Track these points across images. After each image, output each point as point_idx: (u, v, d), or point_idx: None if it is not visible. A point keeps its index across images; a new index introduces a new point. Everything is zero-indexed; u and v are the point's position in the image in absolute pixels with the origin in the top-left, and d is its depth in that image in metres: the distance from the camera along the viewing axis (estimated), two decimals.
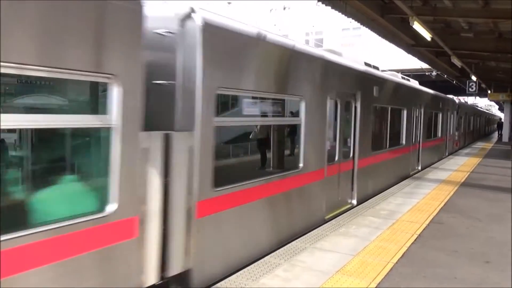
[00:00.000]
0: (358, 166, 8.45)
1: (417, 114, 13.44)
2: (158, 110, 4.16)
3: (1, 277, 2.71)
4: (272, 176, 5.76)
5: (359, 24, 13.66)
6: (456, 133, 21.90)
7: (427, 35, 12.41)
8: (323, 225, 6.65)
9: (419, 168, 14.12)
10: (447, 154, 19.40)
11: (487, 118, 52.02)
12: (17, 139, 3.54)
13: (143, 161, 3.68)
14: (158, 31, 4.17)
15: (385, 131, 10.85)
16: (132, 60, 3.50)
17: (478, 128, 37.41)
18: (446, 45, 14.65)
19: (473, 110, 33.26)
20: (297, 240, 5.84)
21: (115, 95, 3.37)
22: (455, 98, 21.65)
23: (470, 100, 49.38)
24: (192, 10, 4.23)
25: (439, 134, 17.57)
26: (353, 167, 8.35)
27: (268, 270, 4.72)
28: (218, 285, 4.33)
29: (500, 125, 41.95)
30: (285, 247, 5.53)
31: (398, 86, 11.64)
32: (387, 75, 10.94)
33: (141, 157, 3.65)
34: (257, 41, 5.27)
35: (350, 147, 8.35)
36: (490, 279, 4.80)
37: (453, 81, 28.42)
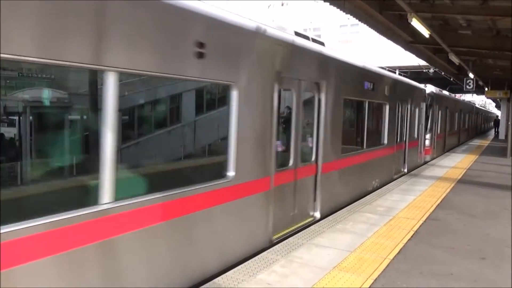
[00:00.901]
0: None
1: (314, 105, 6.99)
2: None
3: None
4: None
5: (357, 20, 13.66)
6: (428, 136, 15.90)
7: (425, 32, 12.39)
8: (320, 221, 6.66)
9: (318, 215, 7.04)
10: (405, 170, 12.92)
11: (481, 115, 46.70)
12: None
13: None
14: None
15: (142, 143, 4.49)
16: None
17: (467, 128, 29.49)
18: (444, 42, 14.64)
19: (460, 105, 26.15)
20: (294, 236, 5.86)
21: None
22: (430, 86, 16.22)
23: (468, 97, 49.44)
24: None
25: (385, 140, 10.89)
26: None
27: (265, 266, 4.74)
28: (215, 280, 4.34)
29: (496, 122, 42.20)
30: (282, 243, 5.55)
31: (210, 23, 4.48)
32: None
33: None
34: None
35: None
36: (486, 276, 4.84)
37: (451, 78, 28.48)
